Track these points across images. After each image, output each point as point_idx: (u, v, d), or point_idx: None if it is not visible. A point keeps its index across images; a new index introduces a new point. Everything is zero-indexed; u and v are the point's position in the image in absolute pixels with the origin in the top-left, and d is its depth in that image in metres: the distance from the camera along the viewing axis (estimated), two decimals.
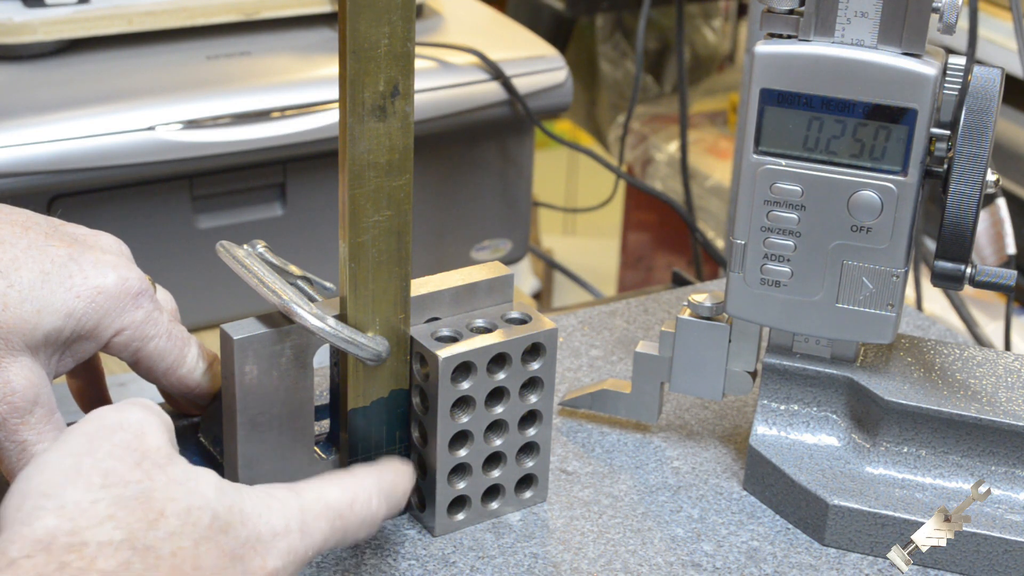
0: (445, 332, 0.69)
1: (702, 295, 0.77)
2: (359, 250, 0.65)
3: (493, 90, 1.27)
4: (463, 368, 0.68)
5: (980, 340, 1.24)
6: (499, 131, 1.31)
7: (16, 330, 0.62)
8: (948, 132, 0.68)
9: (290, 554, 0.57)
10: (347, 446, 0.69)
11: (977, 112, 0.67)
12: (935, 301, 1.43)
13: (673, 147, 1.96)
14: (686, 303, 0.77)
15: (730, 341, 0.76)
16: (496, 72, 1.26)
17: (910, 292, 1.29)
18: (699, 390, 0.78)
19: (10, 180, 1.08)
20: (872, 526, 0.72)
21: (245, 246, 0.68)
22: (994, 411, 0.72)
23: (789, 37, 0.68)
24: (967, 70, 0.68)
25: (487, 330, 0.70)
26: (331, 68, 1.23)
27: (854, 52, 0.67)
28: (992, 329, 1.40)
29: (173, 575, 0.51)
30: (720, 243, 1.79)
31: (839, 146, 0.69)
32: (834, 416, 0.75)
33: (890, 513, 0.72)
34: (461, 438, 0.70)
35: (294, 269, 0.68)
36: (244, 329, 0.65)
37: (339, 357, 0.68)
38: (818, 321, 0.72)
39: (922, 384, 0.74)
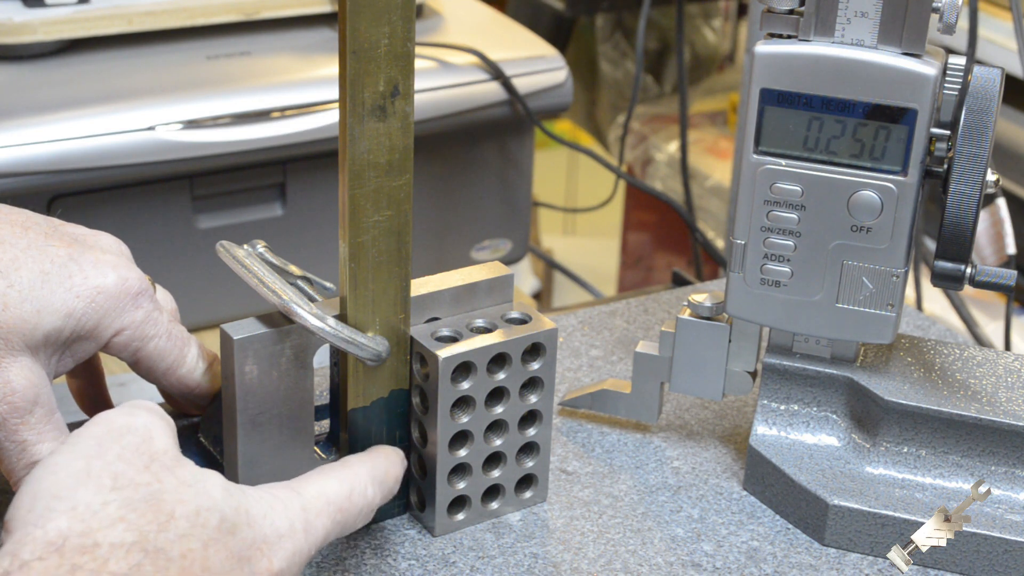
0: (445, 332, 0.69)
1: (702, 295, 0.77)
2: (359, 250, 0.65)
3: (493, 90, 1.27)
4: (463, 368, 0.68)
5: (980, 340, 1.24)
6: (499, 131, 1.31)
7: (16, 330, 0.62)
8: (948, 132, 0.68)
9: (295, 554, 0.57)
10: (347, 446, 0.69)
11: (977, 112, 0.67)
12: (935, 301, 1.43)
13: (673, 147, 1.96)
14: (686, 303, 0.77)
15: (730, 341, 0.76)
16: (496, 72, 1.26)
17: (910, 292, 1.29)
18: (699, 390, 0.78)
19: (10, 180, 1.08)
20: (872, 526, 0.72)
21: (245, 246, 0.68)
22: (994, 411, 0.72)
23: (789, 37, 0.68)
24: (967, 70, 0.68)
25: (487, 330, 0.70)
26: (331, 68, 1.23)
27: (854, 52, 0.67)
28: (992, 329, 1.40)
29: None
30: (720, 243, 1.79)
31: (839, 146, 0.69)
32: (834, 416, 0.75)
33: (890, 513, 0.72)
34: (461, 438, 0.70)
35: (294, 269, 0.68)
36: (244, 329, 0.65)
37: (339, 357, 0.68)
38: (818, 321, 0.72)
39: (922, 384, 0.74)
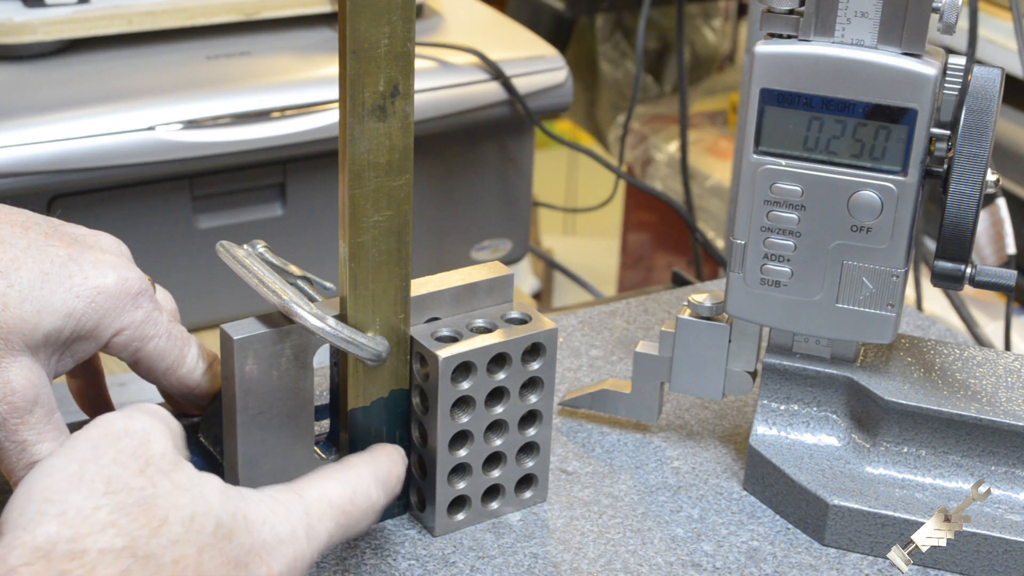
0: (445, 332, 0.69)
1: (702, 295, 0.77)
2: (359, 250, 0.65)
3: (493, 90, 1.27)
4: (463, 368, 0.68)
5: (980, 340, 1.24)
6: (499, 131, 1.31)
7: (16, 330, 0.62)
8: (948, 132, 0.68)
9: (296, 560, 0.57)
10: (347, 446, 0.69)
11: (977, 112, 0.67)
12: (935, 301, 1.43)
13: (673, 147, 1.96)
14: (686, 303, 0.77)
15: (730, 341, 0.76)
16: (496, 72, 1.26)
17: (910, 292, 1.29)
18: (699, 390, 0.78)
19: (10, 180, 1.08)
20: (872, 526, 0.72)
21: (245, 246, 0.68)
22: (994, 411, 0.72)
23: (789, 37, 0.68)
24: (967, 70, 0.68)
25: (487, 330, 0.70)
26: (331, 68, 1.23)
27: (854, 52, 0.67)
28: (992, 329, 1.40)
29: None
30: (720, 243, 1.79)
31: (839, 146, 0.69)
32: (834, 416, 0.75)
33: (890, 513, 0.72)
34: (461, 438, 0.70)
35: (294, 269, 0.68)
36: (244, 329, 0.65)
37: (339, 357, 0.68)
38: (818, 321, 0.72)
39: (922, 384, 0.74)
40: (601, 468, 0.78)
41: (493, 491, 0.73)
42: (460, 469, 0.71)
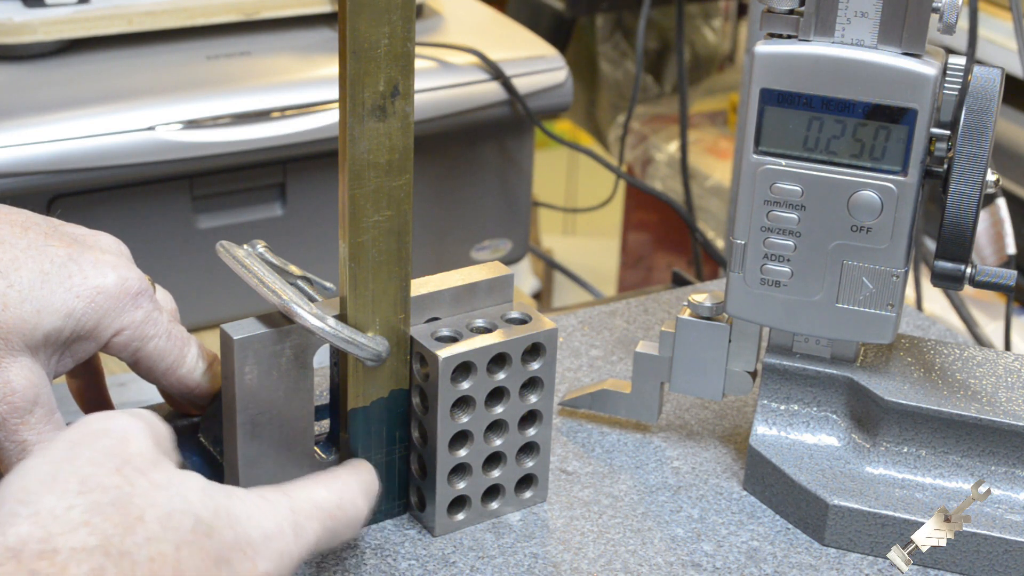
0: (445, 332, 0.69)
1: (702, 295, 0.77)
2: (359, 250, 0.65)
3: (493, 90, 1.27)
4: (463, 368, 0.68)
5: (980, 340, 1.24)
6: (499, 131, 1.31)
7: (16, 330, 0.62)
8: (948, 132, 0.68)
9: (283, 556, 0.56)
10: (347, 446, 0.69)
11: (977, 112, 0.67)
12: (935, 301, 1.43)
13: (673, 147, 1.96)
14: (686, 303, 0.77)
15: (730, 341, 0.76)
16: (496, 72, 1.26)
17: (910, 292, 1.29)
18: (699, 390, 0.78)
19: (10, 180, 1.08)
20: (872, 526, 0.72)
21: (245, 246, 0.68)
22: (994, 411, 0.72)
23: (789, 37, 0.68)
24: (967, 70, 0.68)
25: (487, 330, 0.70)
26: (331, 68, 1.23)
27: (854, 52, 0.67)
28: (992, 329, 1.40)
29: None
30: (720, 243, 1.79)
31: (839, 146, 0.69)
32: (834, 416, 0.75)
33: (890, 513, 0.72)
34: (461, 438, 0.70)
35: (294, 269, 0.68)
36: (244, 329, 0.65)
37: (339, 357, 0.68)
38: (818, 321, 0.72)
39: (922, 384, 0.74)
40: (601, 468, 0.78)
41: (493, 491, 0.73)
42: (460, 469, 0.71)
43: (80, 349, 0.66)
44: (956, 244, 0.68)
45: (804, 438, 0.76)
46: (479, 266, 0.73)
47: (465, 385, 0.69)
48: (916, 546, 0.71)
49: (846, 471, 0.74)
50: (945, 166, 0.68)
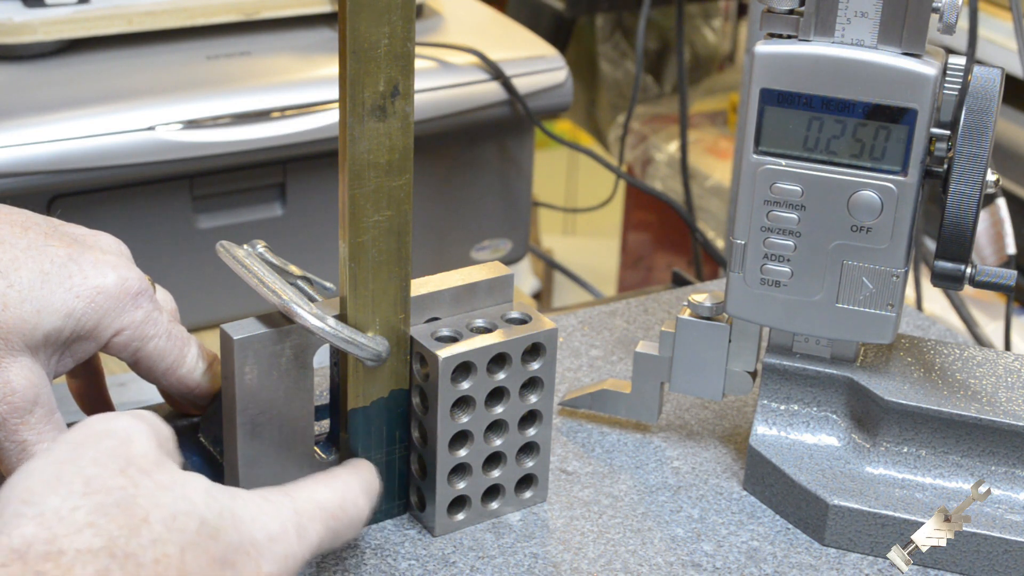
0: (445, 332, 0.69)
1: (702, 295, 0.77)
2: (359, 250, 0.65)
3: (493, 90, 1.27)
4: (463, 368, 0.68)
5: (980, 340, 1.24)
6: (499, 131, 1.31)
7: (16, 330, 0.62)
8: (948, 132, 0.68)
9: (287, 558, 0.56)
10: (347, 446, 0.69)
11: (977, 112, 0.67)
12: (935, 301, 1.43)
13: (673, 147, 1.96)
14: (686, 303, 0.77)
15: (730, 341, 0.76)
16: (496, 72, 1.26)
17: (910, 292, 1.29)
18: (699, 390, 0.78)
19: (10, 180, 1.08)
20: (872, 526, 0.72)
21: (245, 246, 0.68)
22: (994, 411, 0.72)
23: (789, 37, 0.68)
24: (967, 70, 0.68)
25: (487, 330, 0.70)
26: (331, 68, 1.23)
27: (854, 52, 0.67)
28: (992, 329, 1.40)
29: None
30: (720, 243, 1.79)
31: (839, 146, 0.69)
32: (834, 416, 0.75)
33: (890, 513, 0.72)
34: (461, 438, 0.70)
35: (294, 269, 0.68)
36: (244, 329, 0.65)
37: (339, 357, 0.68)
38: (818, 321, 0.72)
39: (922, 384, 0.74)
40: (601, 468, 0.78)
41: (493, 491, 0.73)
42: (460, 469, 0.71)
43: (80, 349, 0.66)
44: (956, 244, 0.68)
45: (804, 438, 0.76)
46: (479, 266, 0.73)
47: (465, 385, 0.69)
48: (916, 546, 0.71)
49: (846, 471, 0.74)
50: (945, 166, 0.68)
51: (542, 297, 1.89)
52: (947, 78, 0.68)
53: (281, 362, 0.66)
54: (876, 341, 0.72)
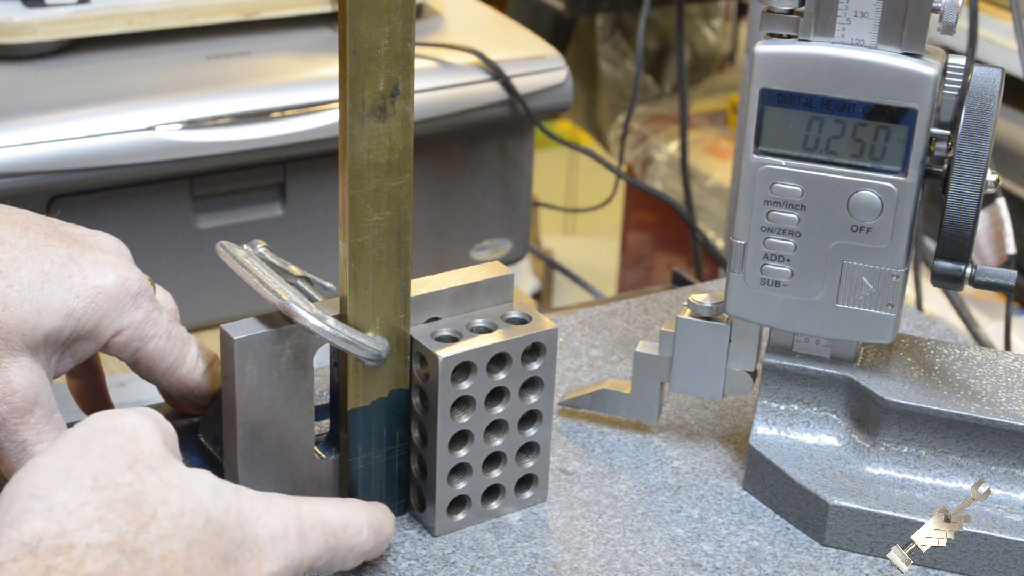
0: (445, 332, 0.69)
1: (702, 295, 0.77)
2: (359, 250, 0.65)
3: (493, 90, 1.27)
4: (463, 368, 0.68)
5: (980, 340, 1.24)
6: (499, 131, 1.31)
7: (16, 330, 0.62)
8: (948, 132, 0.68)
9: (287, 558, 0.57)
10: (347, 446, 0.69)
11: (977, 112, 0.67)
12: (935, 301, 1.43)
13: (673, 147, 1.96)
14: (686, 303, 0.77)
15: (730, 341, 0.76)
16: (496, 72, 1.26)
17: (910, 292, 1.29)
18: (699, 390, 0.78)
19: (10, 180, 1.08)
20: (872, 526, 0.72)
21: (245, 246, 0.68)
22: (994, 411, 0.72)
23: (789, 37, 0.68)
24: (967, 70, 0.68)
25: (487, 330, 0.70)
26: (331, 68, 1.23)
27: (854, 52, 0.67)
28: (992, 329, 1.40)
29: None
30: (720, 243, 1.79)
31: (839, 146, 0.69)
32: (834, 416, 0.75)
33: (890, 513, 0.72)
34: (461, 438, 0.70)
35: (294, 269, 0.68)
36: (244, 329, 0.65)
37: (339, 357, 0.68)
38: (818, 321, 0.72)
39: (922, 384, 0.74)
40: (601, 468, 0.78)
41: (493, 491, 0.73)
42: (460, 469, 0.71)
43: (80, 349, 0.66)
44: (956, 244, 0.68)
45: (804, 438, 0.76)
46: (479, 266, 0.73)
47: (465, 385, 0.69)
48: (916, 546, 0.72)
49: (846, 471, 0.74)
50: (945, 166, 0.68)
51: (542, 297, 1.89)
52: (947, 78, 0.68)
53: (281, 362, 0.66)
54: (876, 341, 0.72)
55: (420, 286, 0.70)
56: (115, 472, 0.52)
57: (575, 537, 0.72)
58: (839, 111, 0.68)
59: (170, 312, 0.70)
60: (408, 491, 0.73)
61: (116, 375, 0.96)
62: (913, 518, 0.71)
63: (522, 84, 1.28)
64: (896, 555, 0.72)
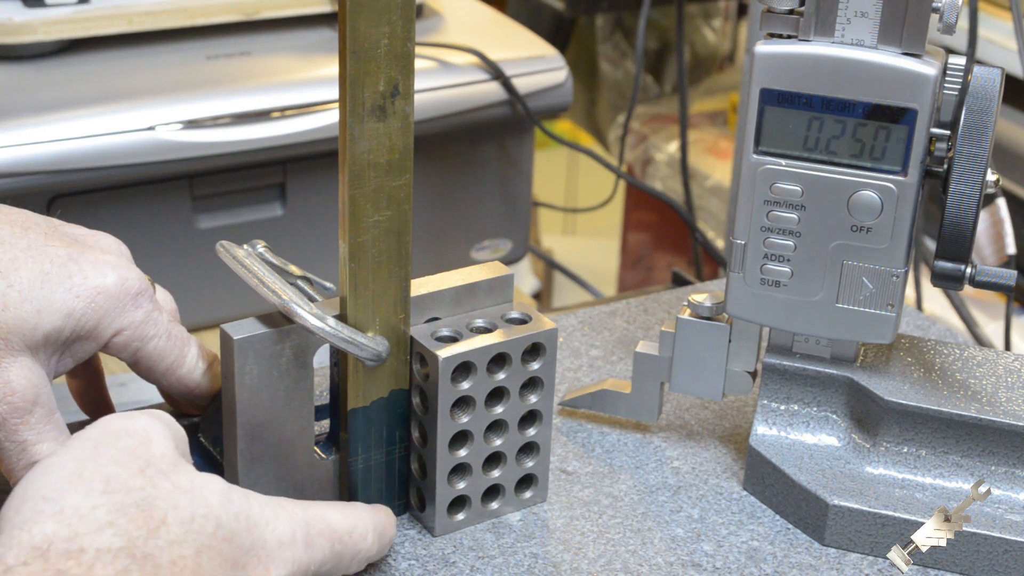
0: (445, 332, 0.69)
1: (702, 295, 0.77)
2: (359, 250, 0.65)
3: (493, 90, 1.27)
4: (463, 368, 0.68)
5: (980, 340, 1.24)
6: (499, 131, 1.31)
7: (16, 330, 0.62)
8: (948, 132, 0.68)
9: (294, 563, 0.57)
10: (347, 446, 0.69)
11: (977, 112, 0.67)
12: (935, 301, 1.43)
13: (673, 147, 1.96)
14: (686, 303, 0.77)
15: (730, 341, 0.76)
16: (496, 72, 1.26)
17: (910, 292, 1.29)
18: (699, 390, 0.78)
19: (10, 180, 1.08)
20: (872, 526, 0.72)
21: (245, 246, 0.68)
22: (994, 411, 0.72)
23: (789, 37, 0.68)
24: (967, 70, 0.68)
25: (487, 330, 0.70)
26: (331, 68, 1.23)
27: (854, 52, 0.67)
28: (992, 329, 1.40)
29: None
30: (720, 243, 1.79)
31: (839, 146, 0.69)
32: (834, 416, 0.75)
33: (890, 513, 0.72)
34: (461, 438, 0.70)
35: (294, 269, 0.68)
36: (244, 329, 0.65)
37: (339, 357, 0.68)
38: (818, 321, 0.72)
39: (922, 384, 0.74)
40: (601, 468, 0.78)
41: (493, 491, 0.73)
42: (460, 469, 0.71)
43: (80, 349, 0.66)
44: (956, 244, 0.68)
45: (804, 438, 0.76)
46: (479, 266, 0.73)
47: (465, 385, 0.69)
48: (916, 546, 0.72)
49: (846, 471, 0.74)
50: (945, 166, 0.68)
51: (542, 297, 1.89)
52: (947, 78, 0.68)
53: (281, 362, 0.66)
54: (876, 341, 0.72)
55: (420, 286, 0.70)
56: (127, 476, 0.52)
57: (575, 537, 0.72)
58: (839, 111, 0.68)
59: (170, 312, 0.70)
60: (408, 491, 0.73)
61: (116, 375, 0.96)
62: (913, 518, 0.71)
63: (522, 84, 1.28)
64: (896, 555, 0.72)
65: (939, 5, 0.66)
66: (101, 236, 0.69)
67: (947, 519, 0.71)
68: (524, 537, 0.72)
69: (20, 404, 0.63)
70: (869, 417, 0.74)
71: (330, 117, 1.19)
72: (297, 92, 1.19)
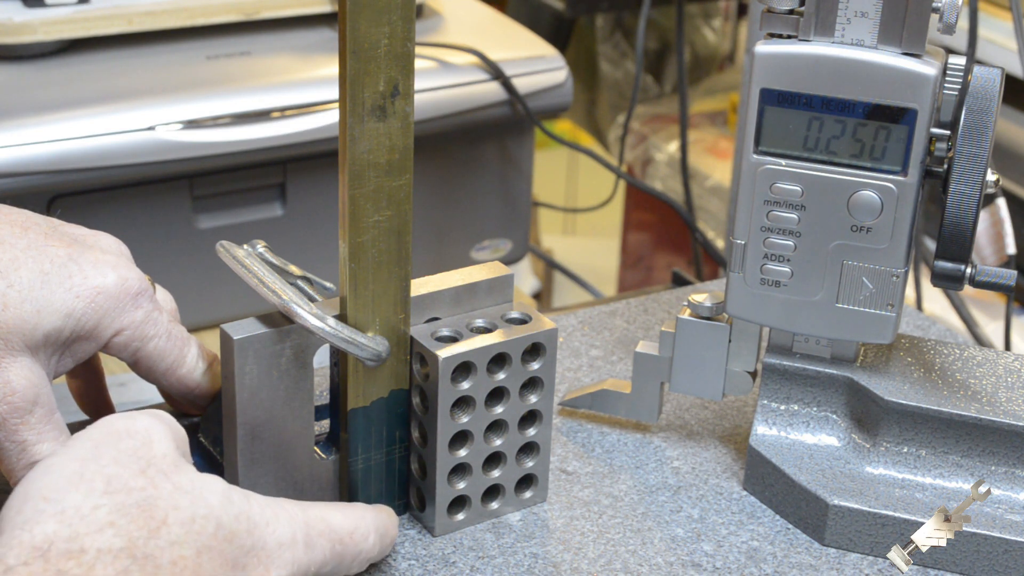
0: (445, 332, 0.69)
1: (702, 295, 0.77)
2: (359, 250, 0.65)
3: (493, 90, 1.27)
4: (463, 368, 0.68)
5: (980, 340, 1.24)
6: (499, 131, 1.31)
7: (16, 330, 0.62)
8: (948, 132, 0.68)
9: (295, 565, 0.57)
10: (347, 446, 0.69)
11: (977, 112, 0.67)
12: (935, 301, 1.43)
13: (673, 147, 1.96)
14: (686, 303, 0.77)
15: (730, 341, 0.76)
16: (496, 72, 1.26)
17: (910, 292, 1.29)
18: (699, 390, 0.78)
19: (10, 180, 1.08)
20: (872, 526, 0.72)
21: (245, 246, 0.68)
22: (994, 411, 0.72)
23: (789, 37, 0.68)
24: (967, 70, 0.68)
25: (487, 330, 0.70)
26: (331, 68, 1.23)
27: (854, 52, 0.67)
28: (992, 329, 1.40)
29: None
30: (720, 243, 1.79)
31: (839, 146, 0.69)
32: (834, 416, 0.75)
33: (890, 513, 0.72)
34: (461, 438, 0.70)
35: (294, 269, 0.68)
36: (244, 329, 0.65)
37: (339, 357, 0.68)
38: (818, 321, 0.72)
39: (922, 384, 0.74)
40: (601, 468, 0.78)
41: (493, 491, 0.73)
42: (460, 469, 0.71)
43: (80, 349, 0.66)
44: (956, 244, 0.68)
45: (804, 438, 0.76)
46: (479, 266, 0.73)
47: (465, 385, 0.69)
48: (916, 546, 0.72)
49: (846, 471, 0.74)
50: (945, 166, 0.68)
51: (542, 297, 1.89)
52: (947, 78, 0.68)
53: (281, 362, 0.66)
54: (876, 341, 0.72)
55: (420, 286, 0.70)
56: (128, 476, 0.52)
57: (575, 537, 0.72)
58: (839, 111, 0.68)
59: (170, 312, 0.70)
60: (408, 491, 0.73)
61: (116, 375, 0.96)
62: (913, 518, 0.71)
63: (522, 84, 1.28)
64: (896, 555, 0.72)
65: (939, 5, 0.66)
66: (101, 236, 0.69)
67: (947, 519, 0.71)
68: (524, 537, 0.72)
69: (20, 404, 0.63)
70: (869, 417, 0.74)
71: (330, 117, 1.19)
72: (297, 92, 1.19)
